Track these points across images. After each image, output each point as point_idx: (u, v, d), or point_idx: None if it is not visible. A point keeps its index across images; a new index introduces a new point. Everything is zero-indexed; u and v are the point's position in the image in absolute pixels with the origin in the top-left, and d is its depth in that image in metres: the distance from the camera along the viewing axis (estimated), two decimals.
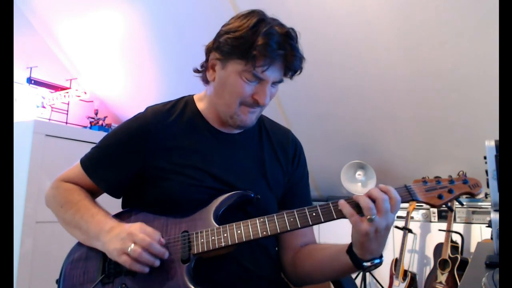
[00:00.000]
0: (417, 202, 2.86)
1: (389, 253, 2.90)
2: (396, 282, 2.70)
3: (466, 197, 2.80)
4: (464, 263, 2.43)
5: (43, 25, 3.01)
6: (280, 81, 0.97)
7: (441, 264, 2.52)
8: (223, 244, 0.87)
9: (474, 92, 2.25)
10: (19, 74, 2.81)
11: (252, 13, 0.93)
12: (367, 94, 2.54)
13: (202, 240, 0.88)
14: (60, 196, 1.02)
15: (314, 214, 0.86)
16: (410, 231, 2.76)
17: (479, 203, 2.68)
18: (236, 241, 0.87)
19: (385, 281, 2.83)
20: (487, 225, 2.51)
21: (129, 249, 0.83)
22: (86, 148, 1.06)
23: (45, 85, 2.93)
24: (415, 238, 2.86)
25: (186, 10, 2.52)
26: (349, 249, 0.87)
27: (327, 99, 2.69)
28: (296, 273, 1.03)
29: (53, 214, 1.04)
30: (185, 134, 1.01)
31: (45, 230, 2.19)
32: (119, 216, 0.99)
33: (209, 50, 0.99)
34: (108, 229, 0.90)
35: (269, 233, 0.86)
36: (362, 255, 0.84)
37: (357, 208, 0.83)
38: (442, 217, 2.78)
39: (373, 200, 0.81)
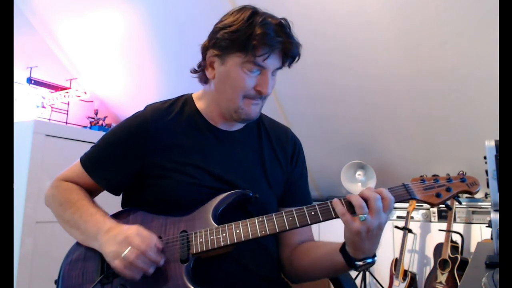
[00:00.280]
0: (416, 201, 2.87)
1: (389, 253, 2.90)
2: (396, 282, 2.70)
3: (466, 197, 2.80)
4: (464, 263, 2.43)
5: (43, 25, 3.01)
6: (279, 68, 0.98)
7: (441, 264, 2.52)
8: (222, 243, 0.87)
9: (474, 92, 2.25)
10: (19, 74, 2.81)
11: (244, 7, 0.95)
12: (367, 94, 2.54)
13: (201, 240, 0.88)
14: (60, 195, 1.02)
15: (312, 213, 0.86)
16: (410, 231, 2.76)
17: (479, 203, 2.68)
18: (235, 241, 0.87)
19: (385, 281, 2.83)
20: (487, 225, 2.51)
21: (122, 255, 0.83)
22: (86, 148, 1.06)
23: (45, 85, 2.93)
24: (415, 238, 2.86)
25: (186, 10, 2.52)
26: (342, 248, 0.88)
27: (327, 99, 2.69)
28: (293, 270, 1.04)
29: (53, 214, 1.04)
30: (185, 133, 1.01)
31: (45, 230, 2.19)
32: (117, 216, 0.99)
33: (205, 49, 0.99)
34: (106, 230, 0.90)
35: (268, 233, 0.86)
36: (354, 254, 0.85)
37: (350, 207, 0.83)
38: (442, 217, 2.78)
39: (366, 200, 0.82)
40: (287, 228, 0.86)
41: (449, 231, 2.56)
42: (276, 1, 2.17)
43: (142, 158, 0.98)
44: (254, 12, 0.93)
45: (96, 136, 2.47)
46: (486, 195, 2.74)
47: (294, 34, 0.97)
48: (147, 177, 0.99)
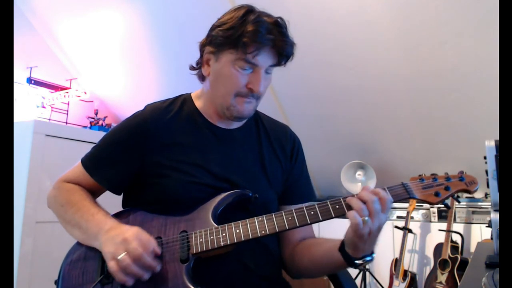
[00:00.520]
0: (416, 201, 2.86)
1: (389, 253, 2.90)
2: (396, 282, 2.70)
3: (466, 197, 2.80)
4: (464, 263, 2.43)
5: (43, 25, 3.01)
6: (274, 65, 0.98)
7: (441, 264, 2.52)
8: (222, 243, 0.87)
9: (474, 92, 2.25)
10: (19, 74, 2.81)
11: (241, 6, 0.96)
12: (367, 94, 2.54)
13: (200, 240, 0.88)
14: (61, 196, 1.02)
15: (312, 213, 0.86)
16: (410, 231, 2.76)
17: (479, 203, 2.68)
18: (235, 241, 0.87)
19: (385, 281, 2.83)
20: (487, 225, 2.51)
21: (119, 257, 0.83)
22: (86, 148, 1.06)
23: (45, 85, 2.93)
24: (415, 238, 2.86)
25: (186, 10, 2.52)
26: (341, 248, 0.88)
27: (327, 99, 2.69)
28: (295, 267, 1.04)
29: (53, 214, 1.04)
30: (184, 131, 1.02)
31: (45, 230, 2.19)
32: (118, 216, 0.99)
33: (203, 46, 1.01)
34: (107, 229, 0.90)
35: (267, 232, 0.86)
36: (354, 254, 0.86)
37: (349, 209, 0.84)
38: (442, 217, 2.78)
39: (364, 202, 0.82)
40: (287, 227, 0.86)
41: (449, 231, 2.56)
42: (276, 1, 2.17)
43: (142, 157, 0.99)
44: (249, 11, 0.94)
45: (96, 136, 2.48)
46: (486, 195, 2.74)
47: (290, 33, 0.97)
48: (147, 176, 0.99)
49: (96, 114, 3.11)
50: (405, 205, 2.88)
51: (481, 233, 2.62)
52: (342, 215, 0.85)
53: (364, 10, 2.12)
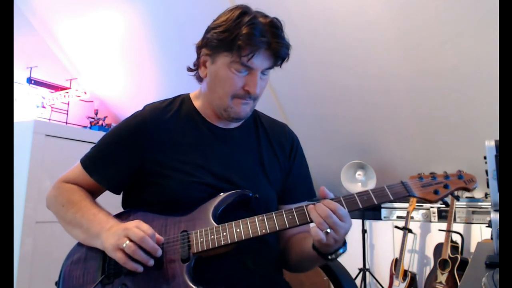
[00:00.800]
0: (414, 200, 2.86)
1: (389, 253, 2.90)
2: (396, 282, 2.70)
3: (466, 197, 2.79)
4: (464, 263, 2.43)
5: (43, 25, 3.01)
6: (270, 68, 0.98)
7: (441, 264, 2.52)
8: (222, 242, 0.87)
9: (474, 92, 2.25)
10: (19, 74, 2.81)
11: (236, 7, 0.96)
12: (367, 94, 2.54)
13: (201, 239, 0.89)
14: (61, 197, 1.02)
15: None
16: (410, 231, 2.76)
17: (479, 203, 2.68)
18: (236, 240, 0.87)
19: (385, 281, 2.83)
20: (487, 225, 2.51)
21: (124, 245, 0.83)
22: (86, 148, 1.06)
23: (45, 85, 2.93)
24: (415, 238, 2.86)
25: (186, 10, 2.52)
26: (314, 245, 0.89)
27: (327, 99, 2.69)
28: (289, 261, 1.06)
29: (54, 215, 1.04)
30: (183, 131, 1.02)
31: (45, 230, 2.19)
32: (119, 217, 0.99)
33: (199, 48, 1.01)
34: (108, 228, 0.90)
35: (268, 231, 0.87)
36: (325, 251, 0.87)
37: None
38: (442, 217, 2.78)
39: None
40: (287, 226, 0.87)
41: (449, 231, 2.56)
42: (276, 1, 2.17)
43: (141, 157, 0.99)
44: (244, 12, 0.93)
45: (96, 136, 2.47)
46: (486, 195, 2.74)
47: (285, 34, 0.97)
48: (147, 175, 0.99)
49: (96, 114, 3.11)
50: (405, 205, 2.88)
51: (481, 233, 2.62)
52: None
53: (364, 10, 2.12)
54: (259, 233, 0.87)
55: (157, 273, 0.87)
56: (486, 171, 1.09)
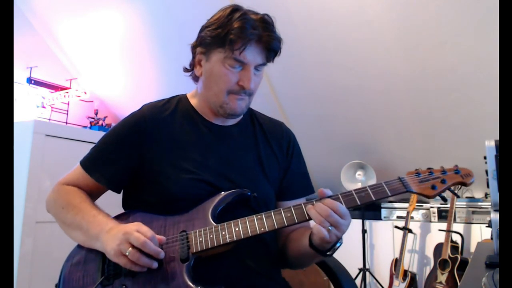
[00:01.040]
0: (414, 200, 2.85)
1: (389, 253, 2.90)
2: (396, 282, 2.70)
3: (466, 197, 2.79)
4: (464, 263, 2.43)
5: (43, 25, 3.01)
6: (263, 64, 0.99)
7: (441, 264, 2.52)
8: (221, 242, 0.87)
9: (474, 92, 2.25)
10: (19, 74, 2.81)
11: (228, 6, 0.98)
12: (367, 94, 2.54)
13: (200, 239, 0.89)
14: (61, 199, 1.02)
15: None
16: (410, 231, 2.76)
17: (479, 203, 2.68)
18: (235, 239, 0.87)
19: (385, 281, 2.83)
20: (487, 225, 2.51)
21: (127, 252, 0.83)
22: (86, 148, 1.07)
23: (45, 85, 2.93)
24: (415, 238, 2.86)
25: (186, 10, 2.52)
26: (310, 243, 0.90)
27: (327, 99, 2.69)
28: (287, 258, 1.06)
29: (54, 218, 1.04)
30: (181, 128, 1.03)
31: (45, 230, 2.19)
32: (118, 218, 0.99)
33: (194, 48, 1.03)
34: (108, 229, 0.90)
35: (267, 230, 0.87)
36: (323, 248, 0.88)
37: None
38: (442, 217, 2.78)
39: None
40: (286, 224, 0.87)
41: (449, 231, 2.56)
42: (276, 1, 2.17)
43: (141, 155, 1.00)
44: (235, 9, 0.96)
45: (96, 136, 2.47)
46: (486, 195, 2.74)
47: (276, 29, 0.98)
48: (146, 173, 1.00)
49: (96, 114, 3.11)
50: (405, 205, 2.88)
51: (481, 233, 2.62)
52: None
53: (364, 10, 2.12)
54: (258, 232, 0.87)
55: (157, 274, 0.87)
56: (486, 171, 1.09)
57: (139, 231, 0.86)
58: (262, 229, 0.87)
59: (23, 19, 2.91)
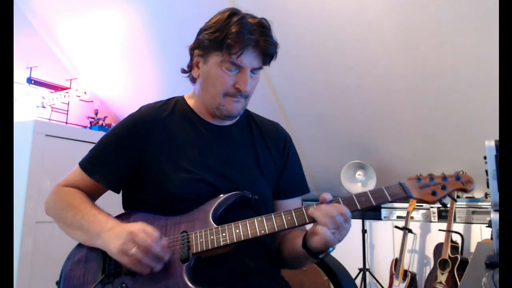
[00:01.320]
0: (414, 200, 2.86)
1: (389, 253, 2.90)
2: (396, 282, 2.70)
3: (466, 197, 2.79)
4: (464, 263, 2.43)
5: (43, 25, 3.01)
6: (259, 68, 1.01)
7: (441, 264, 2.52)
8: (221, 243, 0.88)
9: (474, 92, 2.25)
10: (19, 74, 2.81)
11: (226, 9, 1.00)
12: (367, 94, 2.54)
13: (201, 240, 0.89)
14: (61, 200, 1.02)
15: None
16: (410, 231, 2.76)
17: (479, 203, 2.68)
18: (235, 240, 0.88)
19: (385, 281, 2.83)
20: (487, 225, 2.51)
21: (131, 252, 0.83)
22: (86, 148, 1.07)
23: (45, 85, 2.93)
24: (415, 238, 2.86)
25: (186, 10, 2.52)
26: (304, 244, 0.90)
27: (327, 99, 2.69)
28: (281, 258, 1.06)
29: (54, 219, 1.04)
30: (180, 128, 1.04)
31: (45, 230, 2.19)
32: (119, 218, 0.99)
33: (192, 50, 1.05)
34: (109, 228, 0.90)
35: (267, 232, 0.88)
36: (317, 251, 0.88)
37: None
38: (442, 217, 2.78)
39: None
40: (286, 227, 0.88)
41: (449, 231, 2.56)
42: (276, 1, 2.17)
43: (140, 155, 1.00)
44: (233, 13, 0.97)
45: (96, 136, 2.47)
46: (486, 195, 2.74)
47: (273, 33, 1.00)
48: (146, 173, 1.00)
49: (96, 114, 3.11)
50: (405, 205, 2.88)
51: (481, 233, 2.62)
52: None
53: (364, 10, 2.12)
54: (258, 234, 0.87)
55: (157, 273, 0.87)
56: (486, 171, 1.09)
57: (145, 231, 0.86)
58: (263, 231, 0.87)
59: (23, 19, 2.91)
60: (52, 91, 2.95)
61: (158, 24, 2.72)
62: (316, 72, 2.53)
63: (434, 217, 2.81)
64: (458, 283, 2.39)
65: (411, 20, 2.08)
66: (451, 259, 2.47)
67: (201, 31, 1.01)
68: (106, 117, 3.26)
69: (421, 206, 2.87)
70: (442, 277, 2.47)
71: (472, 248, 2.61)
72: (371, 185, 2.83)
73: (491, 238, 1.20)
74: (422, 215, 2.85)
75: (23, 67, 2.84)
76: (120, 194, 1.09)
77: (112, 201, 1.09)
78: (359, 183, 2.92)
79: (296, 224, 0.87)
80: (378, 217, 3.02)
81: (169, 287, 0.86)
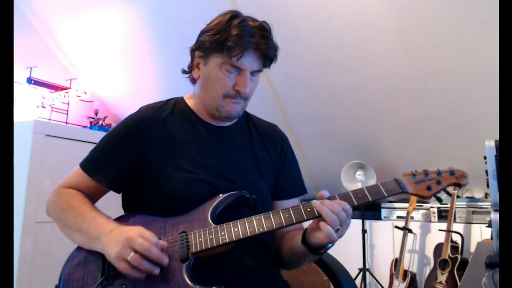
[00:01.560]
0: (414, 200, 2.86)
1: (389, 253, 2.90)
2: (396, 282, 2.70)
3: (466, 197, 2.79)
4: (464, 263, 2.43)
5: (43, 25, 3.01)
6: (259, 71, 1.02)
7: (441, 264, 2.52)
8: (220, 242, 0.88)
9: (474, 92, 2.25)
10: (19, 74, 2.81)
11: (227, 12, 1.01)
12: (367, 94, 2.54)
13: (200, 239, 0.89)
14: (62, 201, 1.03)
15: (308, 209, 0.89)
16: (410, 231, 2.76)
17: (479, 203, 2.68)
18: (234, 239, 0.88)
19: (385, 281, 2.83)
20: (487, 225, 2.51)
21: (129, 257, 0.83)
22: (86, 148, 1.07)
23: (45, 85, 2.93)
24: (415, 238, 2.86)
25: (186, 10, 2.52)
26: (303, 241, 0.91)
27: (327, 99, 2.69)
28: (280, 258, 1.07)
29: (54, 221, 1.04)
30: (180, 128, 1.05)
31: (45, 230, 2.19)
32: (118, 220, 0.99)
33: (192, 51, 1.06)
34: (108, 231, 0.90)
35: (265, 230, 0.88)
36: (317, 247, 0.89)
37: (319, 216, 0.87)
38: (442, 217, 2.78)
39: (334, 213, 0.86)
40: (284, 224, 0.89)
41: (449, 231, 2.56)
42: (276, 1, 2.17)
43: (140, 155, 1.01)
44: (234, 16, 0.99)
45: (96, 136, 2.48)
46: (486, 195, 2.74)
47: (274, 35, 1.01)
48: (146, 174, 1.00)
49: (96, 114, 3.11)
50: (405, 205, 2.88)
51: (481, 233, 2.62)
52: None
53: (364, 11, 2.12)
54: (257, 232, 0.88)
55: (157, 274, 0.87)
56: (486, 171, 1.09)
57: (142, 236, 0.85)
58: (261, 230, 0.88)
59: (23, 19, 2.91)
60: (52, 91, 2.95)
61: (158, 24, 2.73)
62: (316, 72, 2.53)
63: (434, 217, 2.81)
64: (458, 283, 2.39)
65: (411, 20, 2.09)
66: (451, 259, 2.47)
67: (202, 33, 1.02)
68: (106, 117, 3.26)
69: (421, 206, 2.87)
70: (442, 277, 2.47)
71: (472, 248, 2.61)
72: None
73: (491, 238, 1.21)
74: (422, 215, 2.85)
75: (23, 67, 2.84)
76: (120, 195, 1.09)
77: (112, 201, 1.10)
78: (359, 183, 2.92)
79: (294, 221, 0.88)
80: (378, 217, 3.02)
81: (169, 287, 0.86)
